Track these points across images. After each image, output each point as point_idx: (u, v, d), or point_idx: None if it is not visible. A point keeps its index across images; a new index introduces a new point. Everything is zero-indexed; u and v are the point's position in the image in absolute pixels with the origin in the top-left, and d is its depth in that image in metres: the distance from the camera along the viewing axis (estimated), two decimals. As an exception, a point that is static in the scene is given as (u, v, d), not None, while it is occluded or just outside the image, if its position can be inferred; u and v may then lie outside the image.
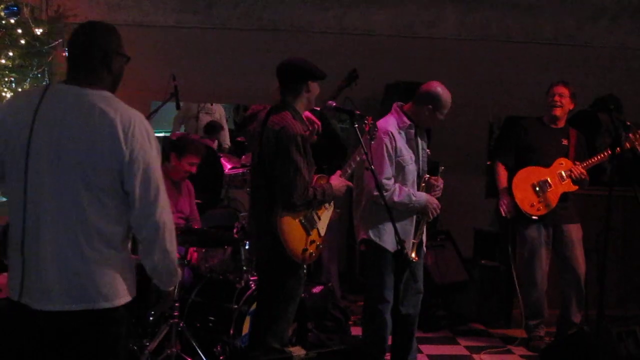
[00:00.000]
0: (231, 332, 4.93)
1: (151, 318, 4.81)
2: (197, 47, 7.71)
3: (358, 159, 4.47)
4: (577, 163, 5.79)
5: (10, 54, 6.48)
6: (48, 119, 2.75)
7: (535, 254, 5.91)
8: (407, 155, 4.69)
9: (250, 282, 5.17)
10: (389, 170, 4.60)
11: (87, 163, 2.73)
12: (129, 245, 2.93)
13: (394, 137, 4.64)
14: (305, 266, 4.40)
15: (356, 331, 6.08)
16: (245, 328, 4.99)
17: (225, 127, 9.33)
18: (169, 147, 5.62)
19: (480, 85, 7.85)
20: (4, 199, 6.61)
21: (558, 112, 5.89)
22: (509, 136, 6.12)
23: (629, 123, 5.46)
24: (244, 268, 5.29)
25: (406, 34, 7.92)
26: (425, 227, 4.85)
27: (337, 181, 4.40)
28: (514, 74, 7.87)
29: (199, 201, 6.05)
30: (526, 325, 6.09)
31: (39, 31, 6.67)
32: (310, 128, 4.32)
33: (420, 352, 5.74)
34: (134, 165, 2.74)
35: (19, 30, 6.53)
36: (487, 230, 7.56)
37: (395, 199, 4.59)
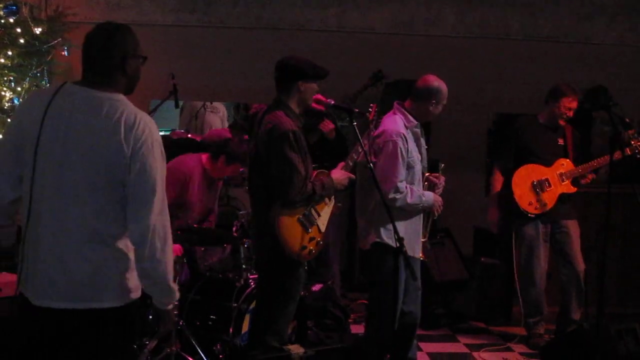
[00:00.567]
0: (231, 330, 4.92)
1: (150, 317, 4.81)
2: (196, 45, 7.71)
3: (360, 150, 4.47)
4: (579, 167, 5.81)
5: (10, 53, 6.48)
6: (56, 117, 2.78)
7: (533, 251, 5.91)
8: (416, 155, 4.69)
9: (250, 281, 5.17)
10: (402, 173, 4.58)
11: (90, 162, 2.75)
12: (132, 247, 2.87)
13: (405, 139, 4.62)
14: (306, 265, 4.40)
15: (356, 329, 6.08)
16: (245, 326, 4.99)
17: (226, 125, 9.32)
18: (220, 149, 5.54)
19: (480, 82, 7.85)
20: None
21: (563, 123, 5.90)
22: (505, 138, 6.10)
23: (628, 120, 5.46)
24: (243, 266, 5.29)
25: (405, 32, 7.92)
26: (429, 224, 4.86)
27: (339, 174, 4.40)
28: (513, 71, 7.87)
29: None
30: (525, 323, 6.09)
31: (38, 30, 6.67)
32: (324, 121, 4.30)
33: (420, 349, 5.74)
34: (132, 165, 2.74)
35: (18, 30, 6.53)
36: (486, 228, 7.56)
37: (409, 200, 4.58)
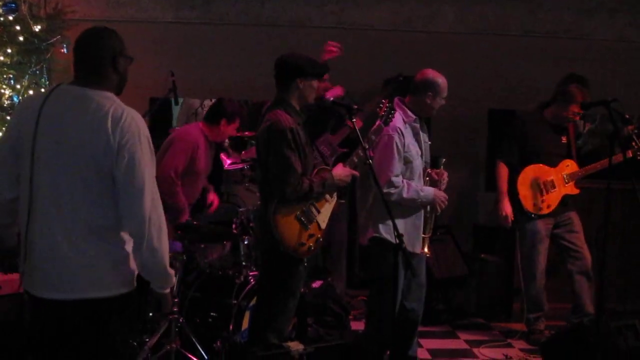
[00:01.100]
0: (231, 327, 4.93)
1: (150, 314, 4.81)
2: (196, 43, 7.71)
3: (367, 147, 4.48)
4: (582, 169, 5.81)
5: (9, 50, 6.48)
6: (50, 117, 2.90)
7: (535, 247, 5.92)
8: (414, 149, 4.70)
9: (250, 277, 5.18)
10: (397, 168, 4.59)
11: (82, 158, 2.85)
12: (126, 238, 2.97)
13: (402, 133, 4.64)
14: (306, 261, 4.40)
15: (356, 326, 6.09)
16: (245, 323, 5.00)
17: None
18: (219, 113, 5.68)
19: (479, 78, 7.85)
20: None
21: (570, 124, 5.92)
22: (510, 133, 6.08)
23: (628, 116, 5.45)
24: (243, 263, 5.29)
25: (404, 29, 7.92)
26: (433, 220, 4.85)
27: (340, 170, 4.40)
28: (512, 67, 7.87)
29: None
30: (526, 319, 6.10)
31: (37, 28, 6.66)
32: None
33: (421, 346, 5.74)
34: (120, 157, 2.83)
35: (18, 27, 6.53)
36: (486, 224, 7.56)
37: (405, 195, 4.59)
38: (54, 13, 6.90)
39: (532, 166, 5.87)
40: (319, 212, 4.35)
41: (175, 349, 4.73)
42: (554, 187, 5.84)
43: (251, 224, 5.43)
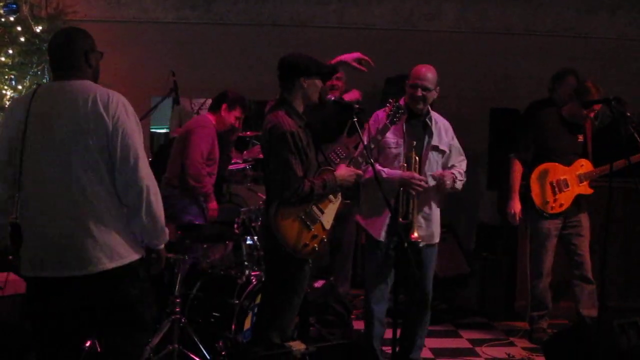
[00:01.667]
0: (233, 327, 4.93)
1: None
2: (197, 43, 7.71)
3: (372, 146, 4.50)
4: (597, 169, 5.78)
5: (10, 51, 6.49)
6: (39, 112, 3.14)
7: (544, 246, 5.89)
8: (391, 139, 4.72)
9: (252, 277, 5.18)
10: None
11: (78, 141, 3.09)
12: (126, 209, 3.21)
13: (378, 121, 4.69)
14: (311, 262, 4.40)
15: (358, 325, 6.08)
16: (247, 323, 5.00)
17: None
18: (221, 99, 5.92)
19: (480, 77, 7.84)
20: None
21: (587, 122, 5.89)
22: (527, 129, 6.03)
23: (629, 114, 5.44)
24: (245, 263, 5.29)
25: (406, 28, 7.92)
26: (414, 205, 4.76)
27: (344, 171, 4.39)
28: (513, 66, 7.86)
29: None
30: (530, 317, 6.09)
31: (38, 29, 6.67)
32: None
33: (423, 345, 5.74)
34: (115, 133, 3.09)
35: (19, 28, 6.54)
36: (489, 223, 7.56)
37: (366, 176, 4.61)
38: (55, 14, 6.91)
39: (546, 164, 5.83)
40: (322, 212, 4.34)
41: (177, 349, 4.73)
42: (567, 186, 5.81)
43: (253, 224, 5.44)
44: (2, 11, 6.44)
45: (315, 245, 4.30)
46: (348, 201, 4.81)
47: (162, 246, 3.37)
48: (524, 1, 8.02)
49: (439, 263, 6.63)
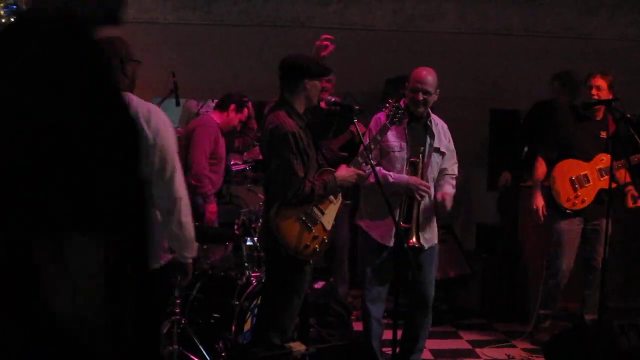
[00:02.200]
0: (233, 328, 4.93)
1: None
2: (197, 43, 7.71)
3: (373, 146, 4.49)
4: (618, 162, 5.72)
5: (10, 52, 6.48)
6: None
7: (561, 246, 5.84)
8: (394, 142, 4.70)
9: (252, 278, 5.18)
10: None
11: None
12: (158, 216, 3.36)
13: (379, 123, 4.67)
14: (312, 262, 4.40)
15: (358, 326, 6.08)
16: (247, 324, 5.00)
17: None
18: (230, 99, 6.02)
19: (480, 78, 7.84)
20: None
21: (598, 107, 5.82)
22: (550, 130, 6.01)
23: (629, 116, 5.44)
24: (246, 264, 5.29)
25: (406, 29, 7.92)
26: (417, 211, 4.76)
27: (344, 172, 4.40)
28: (514, 66, 7.86)
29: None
30: (537, 315, 6.02)
31: (38, 29, 6.67)
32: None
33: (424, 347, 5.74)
34: (154, 147, 3.24)
35: (19, 29, 6.53)
36: (489, 224, 7.56)
37: (371, 179, 4.60)
38: (56, 14, 6.91)
39: (565, 161, 5.80)
40: (323, 213, 4.34)
41: (177, 350, 4.73)
42: (588, 181, 5.77)
43: (253, 225, 5.43)
44: (2, 12, 6.45)
45: (317, 246, 4.30)
46: (349, 202, 4.82)
47: (190, 260, 3.54)
48: (524, 2, 8.02)
49: (439, 264, 6.65)
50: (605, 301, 4.89)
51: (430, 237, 4.88)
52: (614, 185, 5.74)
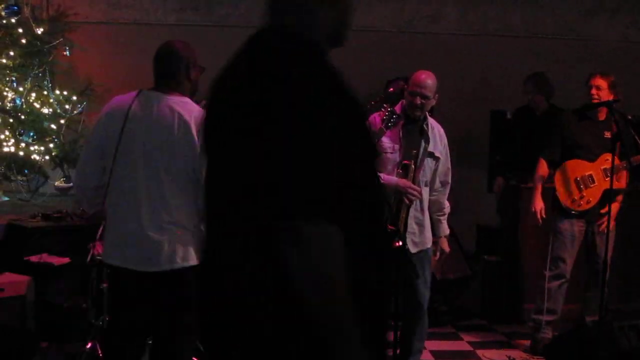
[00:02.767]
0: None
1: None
2: (198, 45, 7.60)
3: None
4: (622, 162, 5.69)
5: (11, 53, 6.50)
6: (137, 118, 3.43)
7: (562, 248, 5.81)
8: (387, 143, 4.70)
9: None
10: None
11: (166, 151, 3.37)
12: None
13: (374, 124, 4.65)
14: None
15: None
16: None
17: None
18: None
19: (481, 80, 7.84)
20: (6, 199, 6.60)
21: (602, 109, 5.77)
22: (553, 131, 6.00)
23: (630, 117, 5.43)
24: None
25: (407, 30, 7.92)
26: (405, 214, 4.71)
27: None
28: (515, 68, 7.86)
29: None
30: (535, 321, 5.98)
31: (39, 30, 6.68)
32: None
33: (423, 348, 5.74)
34: (202, 154, 3.23)
35: (20, 30, 6.55)
36: (489, 225, 7.56)
37: None
38: (56, 15, 6.92)
39: (569, 162, 5.78)
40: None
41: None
42: (593, 181, 5.74)
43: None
44: (3, 13, 6.45)
45: None
46: None
47: None
48: (525, 3, 8.02)
49: (439, 265, 6.64)
50: (606, 303, 4.88)
51: (420, 241, 4.83)
52: (623, 185, 5.76)
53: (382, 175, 4.60)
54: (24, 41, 6.53)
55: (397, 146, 4.71)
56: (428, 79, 4.71)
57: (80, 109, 6.93)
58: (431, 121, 4.87)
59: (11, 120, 6.50)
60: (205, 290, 2.24)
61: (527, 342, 6.02)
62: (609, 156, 5.60)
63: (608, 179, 5.58)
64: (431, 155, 4.81)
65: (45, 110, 6.73)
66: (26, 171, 6.77)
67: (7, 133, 6.46)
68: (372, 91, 7.01)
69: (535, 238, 6.49)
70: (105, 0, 7.59)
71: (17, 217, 5.97)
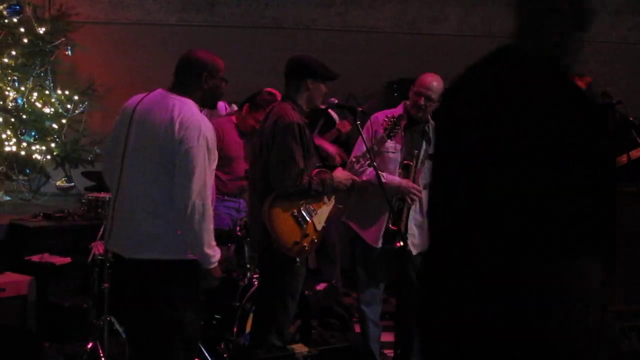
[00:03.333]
0: (234, 329, 4.93)
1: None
2: (200, 45, 7.62)
3: (369, 156, 4.48)
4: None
5: (13, 52, 6.50)
6: (139, 114, 3.57)
7: None
8: (390, 144, 4.69)
9: (254, 280, 5.17)
10: (361, 150, 4.63)
11: (154, 147, 3.46)
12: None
13: (376, 123, 4.69)
14: (299, 261, 4.38)
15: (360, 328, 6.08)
16: (249, 326, 4.99)
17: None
18: (248, 99, 5.85)
19: (483, 81, 7.84)
20: (8, 198, 6.60)
21: None
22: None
23: (631, 119, 5.43)
24: (247, 266, 5.29)
25: (409, 31, 7.93)
26: (406, 215, 4.72)
27: (341, 173, 4.40)
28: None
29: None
30: None
31: (41, 30, 6.69)
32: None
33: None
34: (178, 152, 3.40)
35: (22, 29, 6.56)
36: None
37: (364, 177, 4.58)
38: (58, 15, 6.92)
39: None
40: (315, 213, 4.33)
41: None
42: None
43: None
44: (5, 12, 6.46)
45: (306, 244, 4.28)
46: (341, 206, 4.80)
47: (212, 266, 3.58)
48: (527, 4, 8.03)
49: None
50: (607, 304, 4.87)
51: (419, 243, 4.83)
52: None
53: (384, 174, 4.61)
54: (25, 41, 6.54)
55: (398, 146, 4.72)
56: (434, 82, 4.71)
57: (81, 109, 6.94)
58: (433, 123, 4.87)
59: (13, 120, 6.50)
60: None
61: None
62: None
63: None
64: (432, 156, 4.82)
65: (46, 110, 6.74)
66: (28, 171, 6.78)
67: (8, 132, 6.47)
68: (374, 92, 7.03)
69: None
70: (107, 0, 7.60)
71: (19, 216, 5.97)
